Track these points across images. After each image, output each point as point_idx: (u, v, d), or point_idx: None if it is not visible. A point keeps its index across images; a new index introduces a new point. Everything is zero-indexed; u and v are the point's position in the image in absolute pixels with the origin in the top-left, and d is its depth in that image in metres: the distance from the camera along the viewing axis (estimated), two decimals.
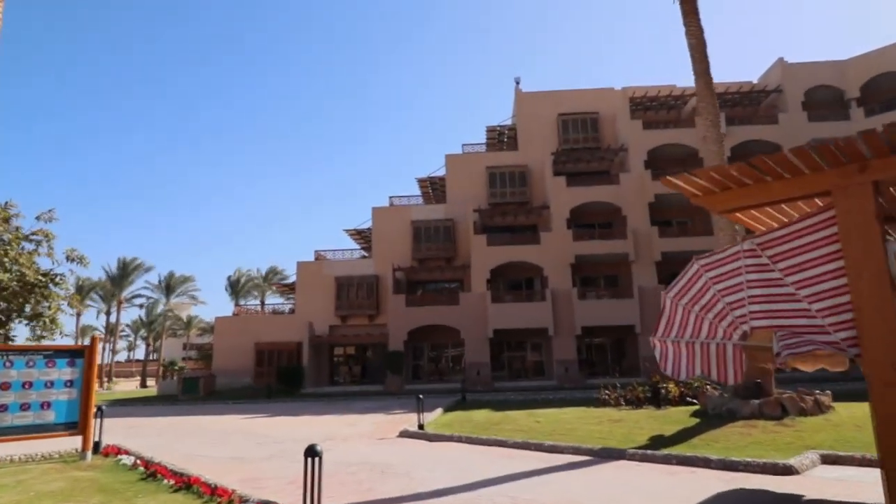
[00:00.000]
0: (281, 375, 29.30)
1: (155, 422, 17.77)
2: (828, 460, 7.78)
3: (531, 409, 16.06)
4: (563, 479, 7.46)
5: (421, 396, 12.62)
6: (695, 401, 13.41)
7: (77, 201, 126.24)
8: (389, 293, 31.43)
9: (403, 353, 29.80)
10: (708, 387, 13.40)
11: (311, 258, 35.25)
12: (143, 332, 65.99)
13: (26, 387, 9.32)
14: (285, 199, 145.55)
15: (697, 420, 11.09)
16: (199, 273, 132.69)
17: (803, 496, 6.10)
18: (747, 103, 34.16)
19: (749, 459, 7.58)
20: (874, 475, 6.40)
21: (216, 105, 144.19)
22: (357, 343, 33.35)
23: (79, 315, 55.60)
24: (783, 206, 4.81)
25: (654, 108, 34.80)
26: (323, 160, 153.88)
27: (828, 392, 11.40)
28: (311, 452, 4.53)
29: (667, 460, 8.22)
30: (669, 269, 30.70)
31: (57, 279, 15.21)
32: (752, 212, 5.08)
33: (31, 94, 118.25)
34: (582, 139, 34.13)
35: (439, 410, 16.57)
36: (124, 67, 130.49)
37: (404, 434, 12.24)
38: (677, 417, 11.71)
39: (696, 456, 8.05)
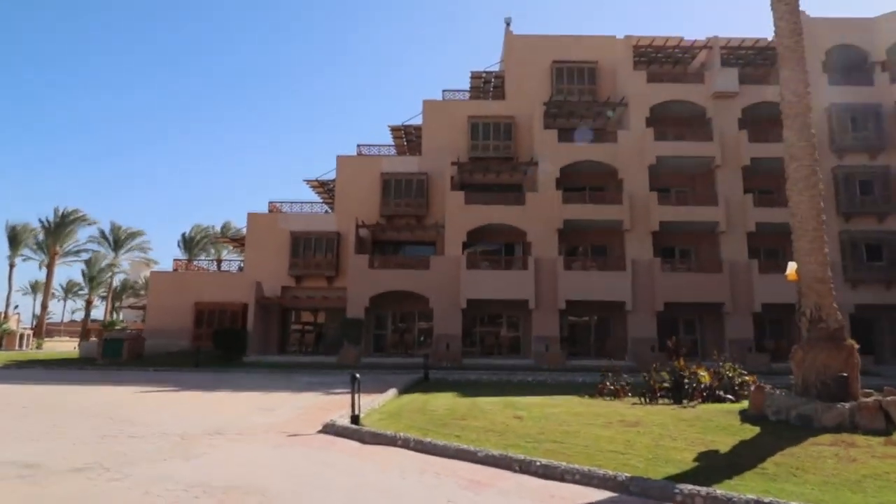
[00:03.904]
0: (218, 340, 25.24)
1: (21, 391, 13.72)
2: None
3: (508, 394, 12.57)
4: None
5: (357, 375, 8.84)
6: (729, 397, 9.96)
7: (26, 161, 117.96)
8: (352, 253, 27.50)
9: (363, 322, 26.05)
10: (748, 378, 9.94)
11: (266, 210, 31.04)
12: (99, 289, 60.69)
13: None
14: (250, 158, 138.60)
15: (756, 430, 7.54)
16: (160, 235, 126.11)
17: None
18: (761, 62, 30.44)
19: None
20: None
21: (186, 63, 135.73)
22: (312, 307, 29.43)
23: (12, 267, 50.38)
24: None
25: (658, 60, 30.96)
26: (294, 111, 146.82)
27: None
28: None
29: None
30: (666, 241, 27.50)
31: None
32: None
33: None
34: (577, 90, 30.11)
35: (392, 392, 12.93)
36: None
37: (328, 429, 8.52)
38: (720, 422, 8.17)
39: None
